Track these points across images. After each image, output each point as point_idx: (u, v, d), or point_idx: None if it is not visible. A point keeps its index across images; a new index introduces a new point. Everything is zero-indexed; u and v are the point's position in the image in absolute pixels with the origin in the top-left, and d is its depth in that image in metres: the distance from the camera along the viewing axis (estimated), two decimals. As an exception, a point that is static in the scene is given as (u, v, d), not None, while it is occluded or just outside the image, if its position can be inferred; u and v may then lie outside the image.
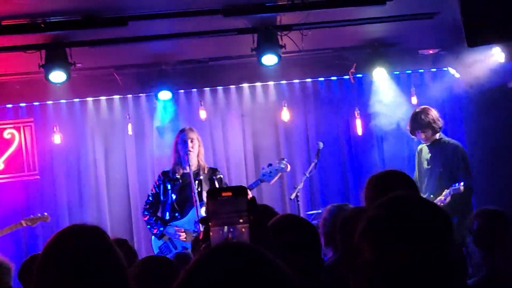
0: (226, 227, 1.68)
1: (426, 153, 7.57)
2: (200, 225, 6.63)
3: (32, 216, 7.80)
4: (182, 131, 7.44)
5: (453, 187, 7.08)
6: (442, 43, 8.57)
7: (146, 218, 7.47)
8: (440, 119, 7.53)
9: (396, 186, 3.60)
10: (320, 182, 8.89)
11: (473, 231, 4.13)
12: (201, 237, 1.77)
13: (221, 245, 1.54)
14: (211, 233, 1.68)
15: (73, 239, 2.39)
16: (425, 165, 7.53)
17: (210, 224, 1.70)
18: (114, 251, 2.40)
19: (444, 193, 7.13)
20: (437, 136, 7.51)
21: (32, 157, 8.55)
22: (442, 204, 6.97)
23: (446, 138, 7.63)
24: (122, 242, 4.18)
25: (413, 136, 7.70)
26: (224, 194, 1.72)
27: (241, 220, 1.69)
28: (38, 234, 8.35)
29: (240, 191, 1.72)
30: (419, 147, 7.73)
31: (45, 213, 7.87)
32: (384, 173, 3.95)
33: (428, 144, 7.54)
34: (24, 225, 7.71)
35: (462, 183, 7.08)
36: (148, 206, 7.48)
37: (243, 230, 1.68)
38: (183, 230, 7.25)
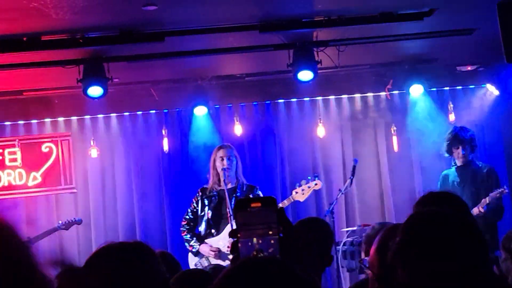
0: (255, 239, 1.65)
1: (454, 177, 7.45)
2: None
3: (66, 221, 8.05)
4: (220, 148, 7.44)
5: (494, 192, 6.99)
6: (481, 60, 8.46)
7: (183, 234, 7.48)
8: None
9: (444, 205, 3.52)
10: (355, 199, 8.81)
11: None
12: (230, 249, 1.74)
13: (247, 261, 1.51)
14: (239, 245, 1.65)
15: (117, 253, 2.34)
16: (453, 187, 7.38)
17: (239, 235, 1.67)
18: (157, 267, 2.33)
19: (481, 202, 7.04)
20: (470, 157, 7.41)
21: (69, 170, 8.64)
22: (481, 212, 6.95)
23: (478, 161, 7.60)
24: (165, 255, 4.19)
25: (447, 155, 7.58)
26: (253, 205, 1.69)
27: (270, 232, 1.65)
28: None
29: (269, 201, 1.69)
30: (444, 172, 7.60)
31: (76, 218, 8.16)
32: (436, 193, 3.85)
33: (459, 165, 7.42)
34: (58, 229, 8.00)
35: (504, 186, 6.99)
36: (186, 222, 7.48)
37: (272, 242, 1.64)
38: (217, 250, 7.24)
